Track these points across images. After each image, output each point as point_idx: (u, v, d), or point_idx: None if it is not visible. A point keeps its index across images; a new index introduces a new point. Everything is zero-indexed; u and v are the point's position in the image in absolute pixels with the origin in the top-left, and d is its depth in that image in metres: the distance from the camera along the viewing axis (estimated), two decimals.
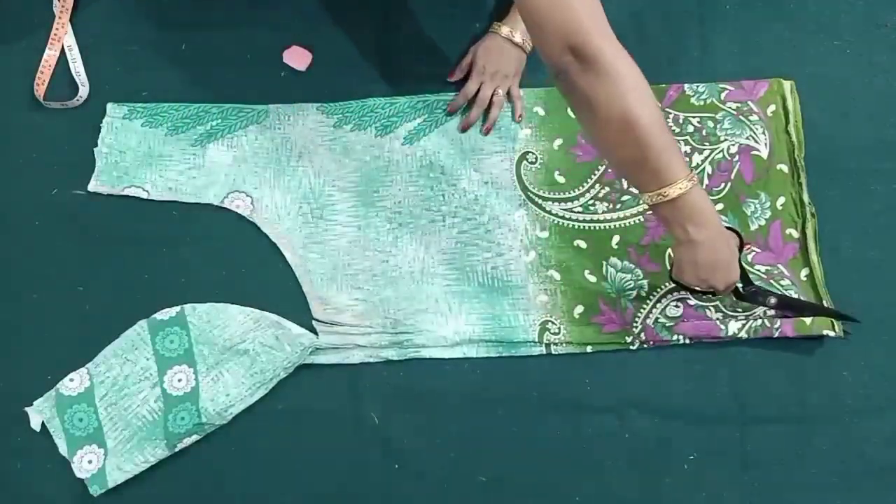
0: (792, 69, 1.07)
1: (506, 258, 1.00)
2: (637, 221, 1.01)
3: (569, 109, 1.04)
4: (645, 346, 0.97)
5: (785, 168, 1.02)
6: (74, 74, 1.06)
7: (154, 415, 0.93)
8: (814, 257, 0.99)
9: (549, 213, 1.01)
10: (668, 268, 0.95)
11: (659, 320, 0.97)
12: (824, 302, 0.97)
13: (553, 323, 0.97)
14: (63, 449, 0.92)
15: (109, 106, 1.05)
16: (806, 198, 1.01)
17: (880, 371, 0.97)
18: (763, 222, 1.01)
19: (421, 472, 0.94)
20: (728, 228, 0.88)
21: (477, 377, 0.96)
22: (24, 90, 1.05)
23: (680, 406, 0.96)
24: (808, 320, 0.95)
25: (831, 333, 0.95)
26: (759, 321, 0.96)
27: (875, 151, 1.04)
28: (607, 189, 1.02)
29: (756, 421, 0.95)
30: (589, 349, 0.97)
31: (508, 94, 1.03)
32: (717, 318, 0.97)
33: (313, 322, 0.97)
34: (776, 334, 0.95)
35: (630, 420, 0.95)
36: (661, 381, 0.96)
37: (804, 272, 0.99)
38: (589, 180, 1.02)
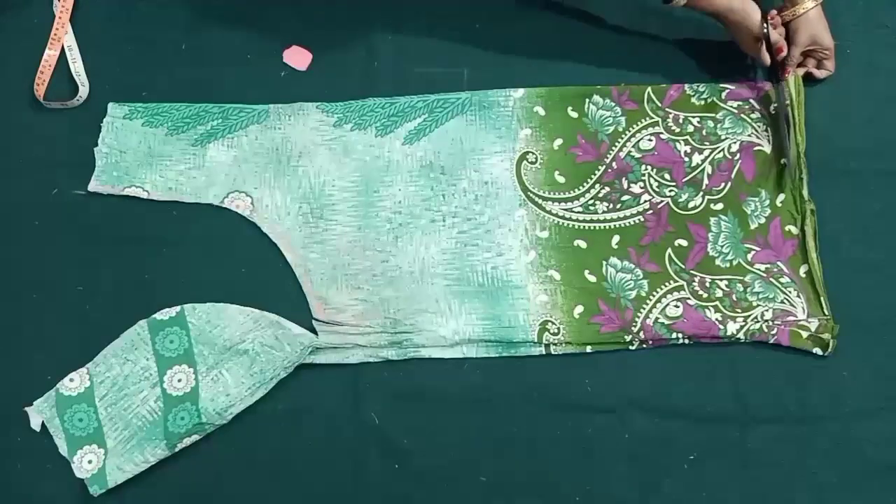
0: None
1: (506, 258, 1.00)
2: (637, 221, 1.01)
3: (569, 108, 1.04)
4: (644, 345, 0.97)
5: (785, 161, 1.02)
6: (74, 74, 1.06)
7: (154, 415, 0.93)
8: (813, 255, 0.99)
9: (549, 213, 1.01)
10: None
11: (658, 320, 0.97)
12: (822, 300, 0.98)
13: (553, 323, 0.97)
14: (63, 449, 0.92)
15: (110, 106, 1.05)
16: (806, 194, 1.01)
17: (880, 371, 0.97)
18: (763, 220, 1.01)
19: (421, 472, 0.94)
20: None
21: (477, 377, 0.96)
22: (24, 90, 1.06)
23: (680, 406, 0.96)
24: (804, 333, 0.96)
25: (820, 352, 0.96)
26: (758, 324, 0.96)
27: (875, 151, 1.04)
28: (607, 189, 1.02)
29: (756, 421, 0.95)
30: (589, 349, 0.97)
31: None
32: (717, 319, 0.97)
33: (313, 322, 0.97)
34: (771, 340, 0.96)
35: (630, 420, 0.95)
36: (661, 381, 0.96)
37: (803, 269, 0.99)
38: (589, 180, 1.02)
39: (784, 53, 1.01)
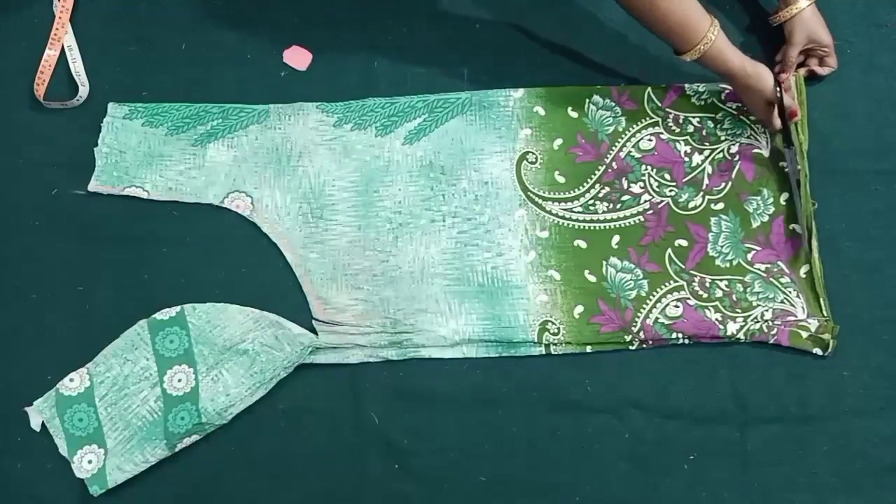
0: None
1: (506, 258, 1.00)
2: (637, 221, 1.01)
3: (569, 108, 1.04)
4: (644, 345, 0.97)
5: (786, 166, 1.02)
6: (74, 74, 1.06)
7: (154, 415, 0.93)
8: (814, 255, 0.99)
9: (549, 213, 1.01)
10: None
11: (658, 320, 0.97)
12: (822, 302, 0.98)
13: (553, 323, 0.97)
14: (63, 449, 0.92)
15: (110, 106, 1.05)
16: (808, 191, 1.01)
17: (880, 371, 0.97)
18: (766, 218, 1.01)
19: (421, 472, 0.94)
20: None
21: (477, 377, 0.97)
22: (24, 90, 1.06)
23: (680, 406, 0.96)
24: (803, 333, 0.96)
25: (820, 352, 0.96)
26: (758, 324, 0.96)
27: (875, 151, 1.04)
28: (607, 189, 1.02)
29: (756, 421, 0.95)
30: (588, 349, 0.97)
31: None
32: (717, 319, 0.97)
33: (313, 322, 0.97)
34: (771, 340, 0.96)
35: (630, 420, 0.95)
36: (661, 381, 0.96)
37: (804, 269, 0.99)
38: (589, 180, 1.02)
39: (798, 118, 0.99)
